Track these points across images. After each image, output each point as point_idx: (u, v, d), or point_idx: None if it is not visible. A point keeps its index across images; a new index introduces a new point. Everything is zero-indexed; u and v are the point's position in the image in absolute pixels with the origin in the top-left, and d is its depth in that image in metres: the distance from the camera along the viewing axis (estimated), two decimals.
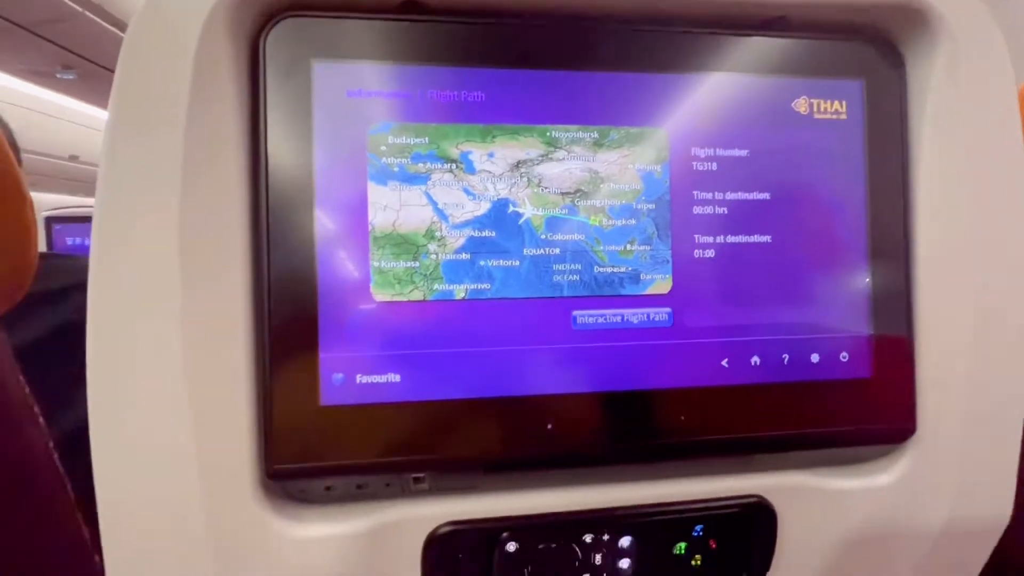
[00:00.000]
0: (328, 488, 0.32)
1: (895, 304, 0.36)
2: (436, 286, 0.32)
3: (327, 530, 0.32)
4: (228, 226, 0.30)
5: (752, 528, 0.37)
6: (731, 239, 0.34)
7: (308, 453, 0.31)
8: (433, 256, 0.32)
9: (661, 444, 0.34)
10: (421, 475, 0.33)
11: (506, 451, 0.33)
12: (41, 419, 0.40)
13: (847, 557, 0.38)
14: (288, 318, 0.31)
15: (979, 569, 0.42)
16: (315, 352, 0.31)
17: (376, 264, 0.31)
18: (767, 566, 0.38)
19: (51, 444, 0.40)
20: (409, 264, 0.31)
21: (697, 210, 0.34)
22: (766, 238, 0.35)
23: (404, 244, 0.31)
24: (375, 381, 0.31)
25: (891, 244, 0.36)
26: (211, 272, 0.29)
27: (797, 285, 0.35)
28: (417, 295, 0.32)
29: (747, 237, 0.34)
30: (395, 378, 0.32)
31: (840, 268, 0.36)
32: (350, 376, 0.31)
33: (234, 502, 0.30)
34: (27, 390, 0.39)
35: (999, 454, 0.38)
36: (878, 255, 0.36)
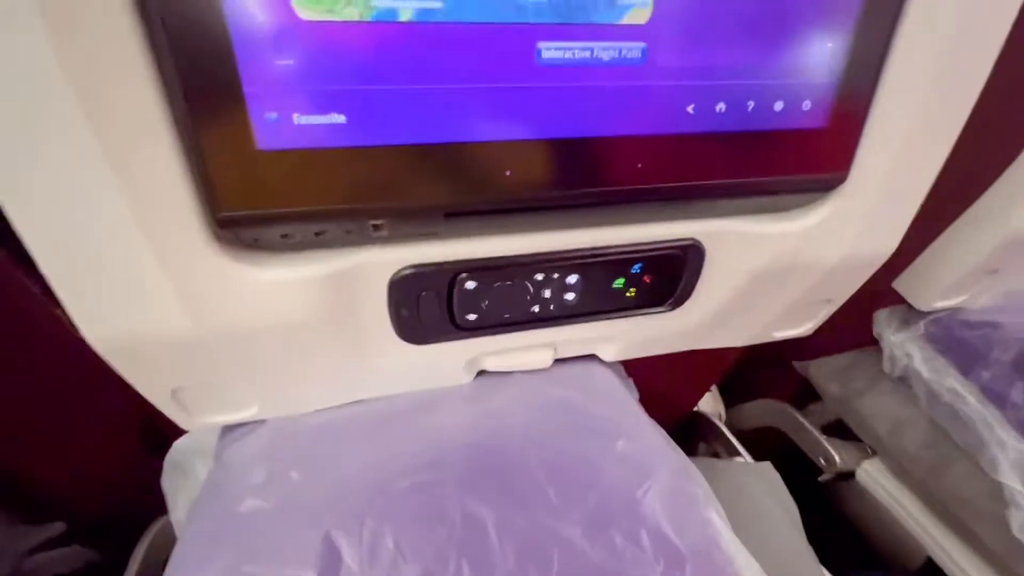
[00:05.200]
0: (284, 236, 0.32)
1: (871, 54, 0.34)
2: (374, 2, 0.26)
3: (289, 274, 0.32)
4: None
5: (683, 266, 0.42)
6: None
7: (254, 200, 0.29)
8: None
9: (618, 190, 0.35)
10: (379, 222, 0.32)
11: (464, 198, 0.32)
12: None
13: (751, 287, 0.45)
14: (195, 46, 0.25)
15: (848, 295, 0.52)
16: (238, 87, 0.26)
17: None
18: (688, 295, 0.44)
19: None
20: None
21: None
22: None
23: None
24: (316, 122, 0.28)
25: None
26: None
27: (783, 22, 0.32)
28: (352, 13, 0.26)
29: None
30: (339, 119, 0.28)
31: (830, 9, 0.32)
32: (286, 115, 0.27)
33: (188, 253, 0.29)
34: None
35: (907, 203, 0.42)
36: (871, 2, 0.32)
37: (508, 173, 0.32)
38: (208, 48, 0.25)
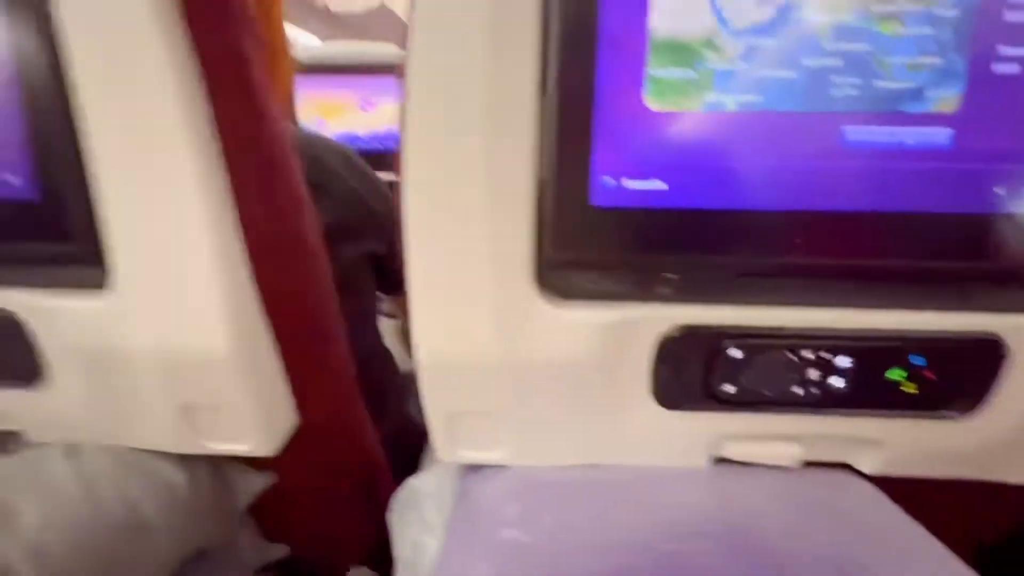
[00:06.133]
0: (588, 282, 0.37)
1: None
2: (708, 97, 0.32)
3: (584, 318, 0.37)
4: (522, 24, 0.32)
5: (978, 364, 0.38)
6: None
7: (577, 248, 0.35)
8: (709, 65, 0.32)
9: (911, 268, 0.34)
10: (671, 277, 0.36)
11: (755, 263, 0.35)
12: None
13: None
14: (566, 120, 0.33)
15: None
16: (587, 155, 0.34)
17: (652, 72, 0.32)
18: (982, 401, 0.39)
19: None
20: (685, 73, 0.32)
21: (1010, 16, 0.31)
22: None
23: (681, 51, 0.32)
24: (642, 187, 0.34)
25: None
26: (506, 68, 0.32)
27: None
28: (689, 105, 0.33)
29: None
30: (660, 185, 0.34)
31: None
32: (619, 180, 0.34)
33: (516, 287, 0.36)
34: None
35: None
36: None
37: (801, 242, 0.34)
38: (574, 124, 0.33)
